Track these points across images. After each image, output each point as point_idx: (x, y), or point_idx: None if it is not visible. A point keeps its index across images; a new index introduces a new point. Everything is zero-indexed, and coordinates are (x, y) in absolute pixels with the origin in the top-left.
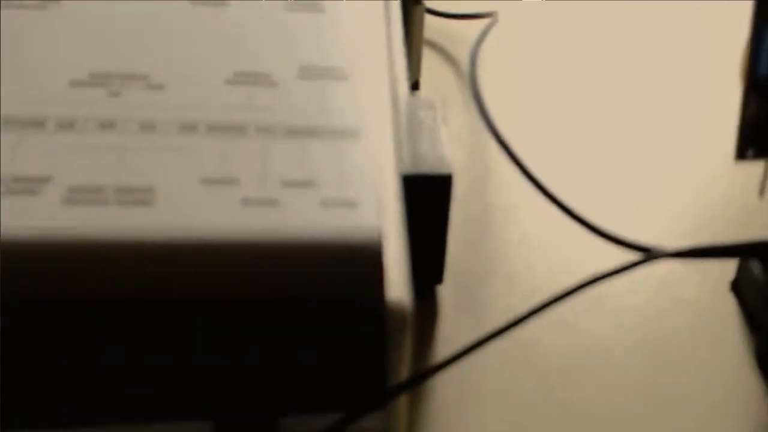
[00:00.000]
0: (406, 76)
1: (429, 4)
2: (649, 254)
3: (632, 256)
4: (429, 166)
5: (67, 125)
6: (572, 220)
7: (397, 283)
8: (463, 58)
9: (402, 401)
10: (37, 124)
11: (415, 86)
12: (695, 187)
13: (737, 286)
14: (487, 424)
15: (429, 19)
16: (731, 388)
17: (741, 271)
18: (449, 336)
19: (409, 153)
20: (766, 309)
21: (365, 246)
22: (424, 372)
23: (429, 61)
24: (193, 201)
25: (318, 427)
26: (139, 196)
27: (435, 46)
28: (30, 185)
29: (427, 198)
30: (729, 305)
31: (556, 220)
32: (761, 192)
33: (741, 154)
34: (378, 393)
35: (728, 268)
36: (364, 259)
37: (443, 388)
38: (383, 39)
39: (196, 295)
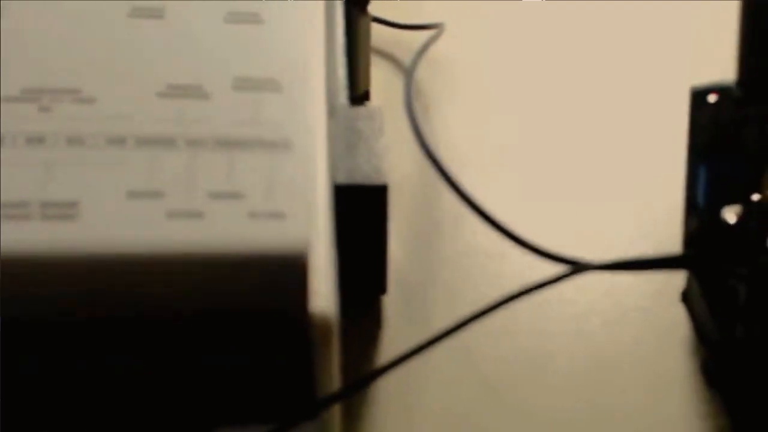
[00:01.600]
0: (346, 87)
1: (385, 13)
2: (575, 267)
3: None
4: (364, 176)
5: None
6: (502, 234)
7: (323, 293)
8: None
9: (336, 412)
10: None
11: (365, 96)
12: (646, 197)
13: (686, 297)
14: (431, 430)
15: (381, 29)
16: (677, 400)
17: (689, 282)
18: (393, 345)
19: (345, 164)
20: (710, 322)
21: (291, 257)
22: (359, 380)
23: (380, 71)
24: (118, 214)
25: None
26: (64, 210)
27: (387, 56)
28: None
29: (362, 208)
30: (679, 316)
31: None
32: None
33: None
34: (308, 403)
35: (680, 278)
36: (290, 270)
37: (386, 396)
38: (322, 50)
39: (120, 309)
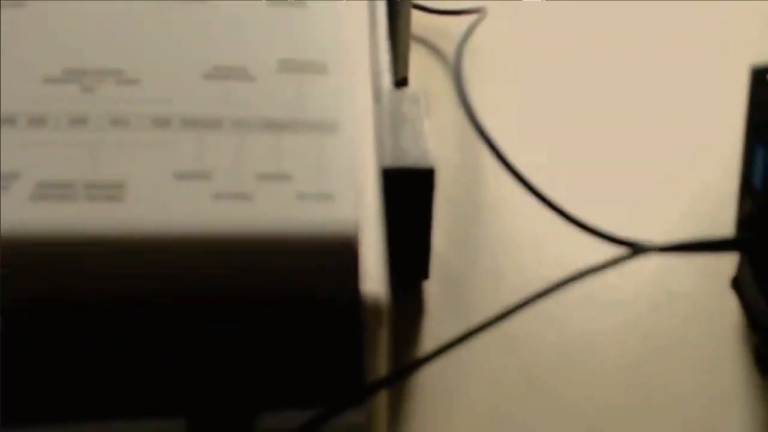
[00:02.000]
0: (390, 71)
1: (419, 0)
2: (635, 249)
3: (620, 251)
4: (411, 159)
5: (38, 121)
6: (558, 215)
7: (374, 277)
8: (453, 55)
9: (383, 397)
10: (9, 121)
11: (403, 82)
12: (693, 183)
13: (737, 283)
14: (474, 420)
15: (419, 15)
16: (727, 387)
17: (740, 267)
18: (435, 332)
19: (391, 147)
20: (762, 307)
21: (341, 239)
22: (405, 367)
23: (418, 57)
24: (164, 196)
25: (296, 424)
26: (110, 191)
27: (425, 43)
28: None
29: (409, 192)
30: (729, 302)
31: (545, 216)
32: None
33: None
34: (356, 389)
35: (730, 264)
36: (340, 252)
37: (429, 384)
38: (366, 34)
39: (168, 290)
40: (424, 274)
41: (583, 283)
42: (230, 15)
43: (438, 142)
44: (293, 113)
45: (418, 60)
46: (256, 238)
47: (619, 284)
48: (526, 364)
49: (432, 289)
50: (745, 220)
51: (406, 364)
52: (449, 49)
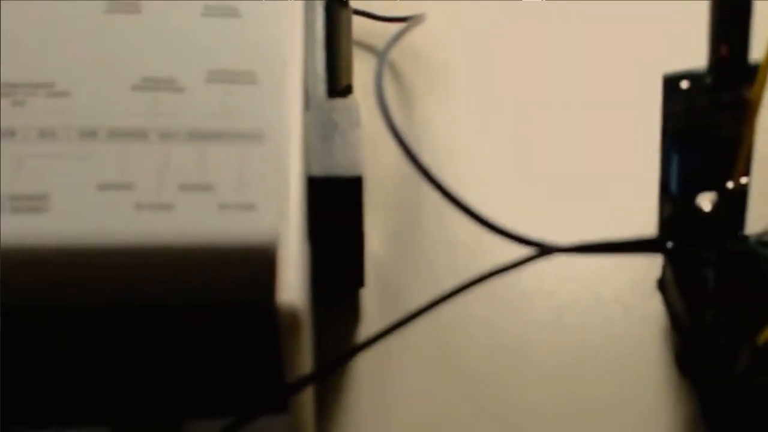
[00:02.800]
0: (324, 80)
1: (373, 6)
2: (542, 249)
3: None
4: (339, 168)
5: None
6: (468, 216)
7: (291, 285)
8: (402, 62)
9: (307, 401)
10: None
11: (347, 90)
12: (628, 186)
13: (662, 285)
14: (401, 423)
15: (370, 23)
16: (652, 390)
17: (664, 269)
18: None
19: (320, 156)
20: (683, 309)
21: (260, 249)
22: (324, 366)
23: (368, 65)
24: (87, 207)
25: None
26: (33, 203)
27: (373, 50)
28: None
29: (337, 200)
30: (657, 304)
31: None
32: None
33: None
34: (275, 392)
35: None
36: (259, 261)
37: (358, 386)
38: (300, 43)
39: (90, 299)
40: (360, 282)
41: (514, 283)
42: (163, 26)
43: (374, 149)
44: (220, 124)
45: (364, 67)
46: (176, 248)
47: (547, 285)
48: (459, 365)
49: (368, 296)
50: (665, 224)
51: (323, 364)
52: (399, 57)
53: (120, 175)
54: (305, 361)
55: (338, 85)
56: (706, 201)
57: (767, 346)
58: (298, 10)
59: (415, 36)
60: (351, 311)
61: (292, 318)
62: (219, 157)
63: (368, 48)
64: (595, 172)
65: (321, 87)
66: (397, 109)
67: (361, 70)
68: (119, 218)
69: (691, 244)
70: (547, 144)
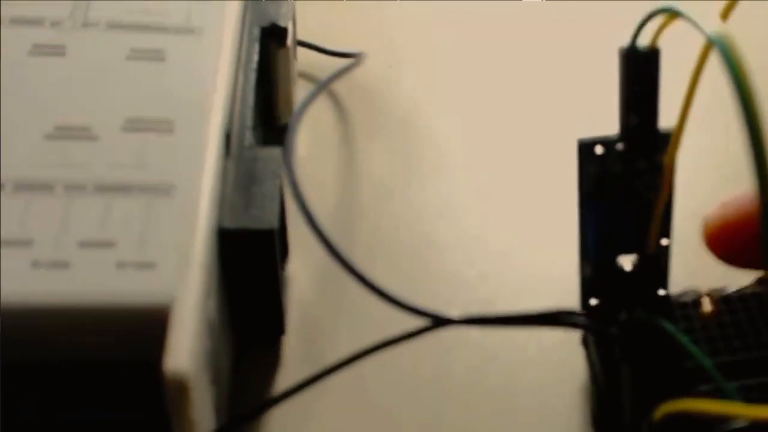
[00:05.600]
0: (252, 127)
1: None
2: (435, 321)
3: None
4: (251, 220)
5: None
6: (362, 285)
7: (183, 348)
8: (347, 96)
9: None
10: None
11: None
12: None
13: (585, 342)
14: None
15: (316, 56)
16: None
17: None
18: (283, 409)
19: (234, 207)
20: (600, 372)
21: (151, 310)
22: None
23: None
24: None
25: None
26: None
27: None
28: None
29: (250, 253)
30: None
31: (406, 267)
32: None
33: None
34: None
35: None
36: (150, 323)
37: None
38: (226, 89)
39: None
40: (280, 330)
41: (434, 342)
42: (85, 70)
43: (313, 188)
44: (130, 175)
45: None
46: (68, 308)
47: (473, 337)
48: (378, 426)
49: (290, 343)
50: (586, 284)
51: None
52: (345, 90)
53: (19, 232)
54: (199, 426)
55: (276, 124)
56: (627, 261)
57: (663, 424)
58: (226, 52)
59: (364, 72)
60: (272, 359)
61: (178, 383)
62: (124, 212)
63: (316, 81)
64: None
65: (249, 134)
66: (339, 142)
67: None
68: (15, 276)
69: (611, 309)
70: (492, 190)
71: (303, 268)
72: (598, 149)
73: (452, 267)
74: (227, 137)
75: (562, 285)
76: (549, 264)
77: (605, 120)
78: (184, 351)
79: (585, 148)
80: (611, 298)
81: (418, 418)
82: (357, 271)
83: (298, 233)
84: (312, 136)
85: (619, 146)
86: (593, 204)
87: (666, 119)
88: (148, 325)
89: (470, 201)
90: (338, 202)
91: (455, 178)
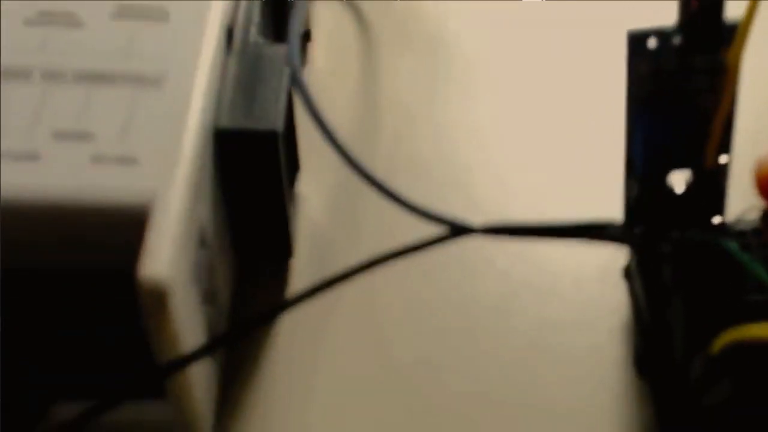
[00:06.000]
0: (257, 22)
1: None
2: (453, 228)
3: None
4: (253, 120)
5: None
6: (378, 191)
7: (162, 253)
8: (371, 10)
9: (191, 384)
10: None
11: (305, 37)
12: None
13: (627, 274)
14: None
15: None
16: (608, 388)
17: (630, 258)
18: (294, 319)
19: (233, 106)
20: (644, 303)
21: (130, 209)
22: (206, 346)
23: (334, 12)
24: None
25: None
26: None
27: None
28: None
29: (250, 157)
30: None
31: (426, 185)
32: None
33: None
34: (143, 375)
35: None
36: (127, 224)
37: (274, 357)
38: None
39: None
40: (288, 251)
41: (466, 269)
42: None
43: (328, 104)
44: (115, 64)
45: (331, 14)
46: (36, 203)
47: (500, 265)
48: (406, 355)
49: (299, 267)
50: (630, 207)
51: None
52: (366, 4)
53: None
54: (185, 339)
55: (285, 31)
56: (679, 181)
57: (723, 357)
58: None
59: None
60: (278, 283)
61: (156, 292)
62: (106, 102)
63: None
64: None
65: (254, 29)
66: (361, 57)
67: (328, 18)
68: None
69: (659, 231)
70: (522, 113)
71: (315, 189)
72: (651, 42)
73: (476, 188)
74: (229, 32)
75: (597, 209)
76: (582, 186)
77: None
78: (164, 256)
79: (636, 41)
80: (659, 225)
81: (437, 339)
82: (371, 176)
83: (310, 153)
84: (332, 50)
85: (676, 40)
86: (643, 110)
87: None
88: (126, 226)
89: (497, 121)
90: (357, 118)
91: (483, 97)
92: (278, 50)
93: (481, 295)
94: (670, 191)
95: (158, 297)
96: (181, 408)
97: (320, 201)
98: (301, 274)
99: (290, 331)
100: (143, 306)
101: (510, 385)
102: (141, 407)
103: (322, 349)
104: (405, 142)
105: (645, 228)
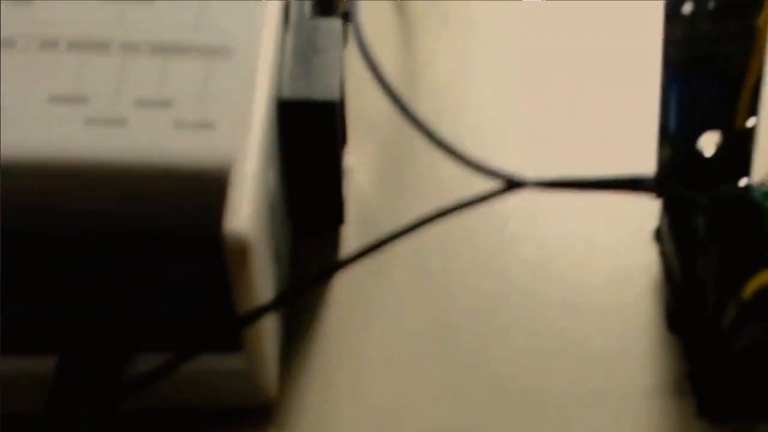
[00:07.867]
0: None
1: None
2: (508, 183)
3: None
4: (312, 91)
5: None
6: (438, 147)
7: (243, 211)
8: None
9: (263, 337)
10: None
11: (345, 18)
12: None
13: (658, 234)
14: (374, 351)
15: None
16: (641, 344)
17: (661, 218)
18: (348, 277)
19: (293, 77)
20: (675, 261)
21: (212, 170)
22: (276, 300)
23: None
24: (36, 119)
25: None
26: None
27: None
28: None
29: (309, 126)
30: (652, 254)
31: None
32: None
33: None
34: (222, 326)
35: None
36: (210, 184)
37: (331, 316)
38: None
39: (32, 220)
40: (339, 218)
41: (501, 225)
42: None
43: (367, 82)
44: (186, 37)
45: None
46: (122, 165)
47: (537, 228)
48: (447, 315)
49: (350, 233)
50: (663, 167)
51: (275, 298)
52: None
53: (74, 88)
54: (259, 294)
55: (333, 10)
56: (708, 143)
57: (755, 300)
58: None
59: None
60: (330, 248)
61: (240, 247)
62: (181, 73)
63: None
64: (602, 111)
65: (307, 6)
66: (399, 40)
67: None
68: (68, 132)
69: (689, 190)
70: (551, 80)
71: (361, 161)
72: (687, 7)
73: (513, 154)
74: (286, 9)
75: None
76: (615, 148)
77: None
78: (247, 213)
79: (672, 6)
80: (689, 187)
81: (478, 297)
82: (424, 125)
83: (354, 128)
84: (371, 31)
85: (711, 5)
86: (678, 74)
87: None
88: (206, 186)
89: (531, 85)
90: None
91: (516, 66)
92: (333, 24)
93: (523, 255)
94: (699, 155)
95: (242, 250)
96: (253, 359)
97: (366, 173)
98: (351, 241)
99: (345, 289)
100: (227, 259)
101: (554, 337)
102: (217, 358)
103: (374, 307)
104: (443, 121)
105: (676, 188)
